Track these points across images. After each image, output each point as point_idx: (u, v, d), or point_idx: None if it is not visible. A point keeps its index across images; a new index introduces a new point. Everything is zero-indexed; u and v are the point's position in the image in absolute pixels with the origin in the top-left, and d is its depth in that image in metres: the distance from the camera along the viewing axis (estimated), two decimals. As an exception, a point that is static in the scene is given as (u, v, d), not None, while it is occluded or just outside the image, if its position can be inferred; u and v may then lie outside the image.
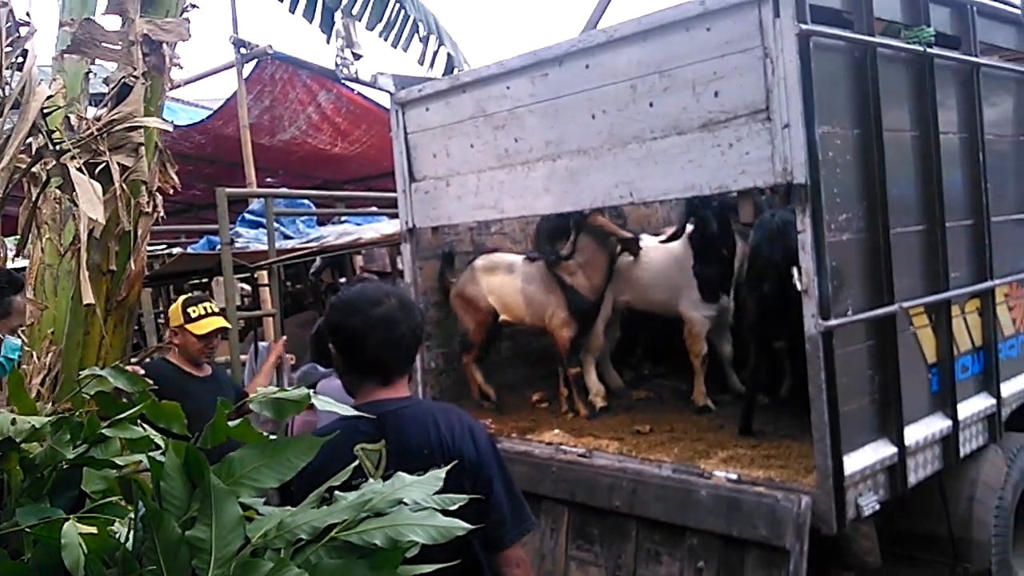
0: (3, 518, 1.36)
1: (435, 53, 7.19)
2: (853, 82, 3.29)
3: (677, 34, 3.37)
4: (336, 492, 1.09)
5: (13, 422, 1.48)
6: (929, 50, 3.54)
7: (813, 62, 3.05)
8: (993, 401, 3.89)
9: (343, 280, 8.85)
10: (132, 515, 1.23)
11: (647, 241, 4.69)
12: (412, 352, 2.10)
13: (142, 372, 2.76)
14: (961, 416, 3.65)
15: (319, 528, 1.01)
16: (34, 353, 4.28)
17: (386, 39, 6.77)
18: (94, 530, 1.20)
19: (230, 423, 1.19)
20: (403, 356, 2.07)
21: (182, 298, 3.86)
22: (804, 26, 3.04)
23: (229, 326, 4.12)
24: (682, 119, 3.38)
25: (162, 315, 8.53)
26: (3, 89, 3.78)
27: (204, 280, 7.19)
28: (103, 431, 1.43)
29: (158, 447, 1.31)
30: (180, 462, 1.12)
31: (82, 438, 1.45)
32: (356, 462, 1.60)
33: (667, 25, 3.40)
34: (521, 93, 3.98)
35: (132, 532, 1.13)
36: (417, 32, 6.94)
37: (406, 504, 1.05)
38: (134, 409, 1.46)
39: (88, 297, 3.54)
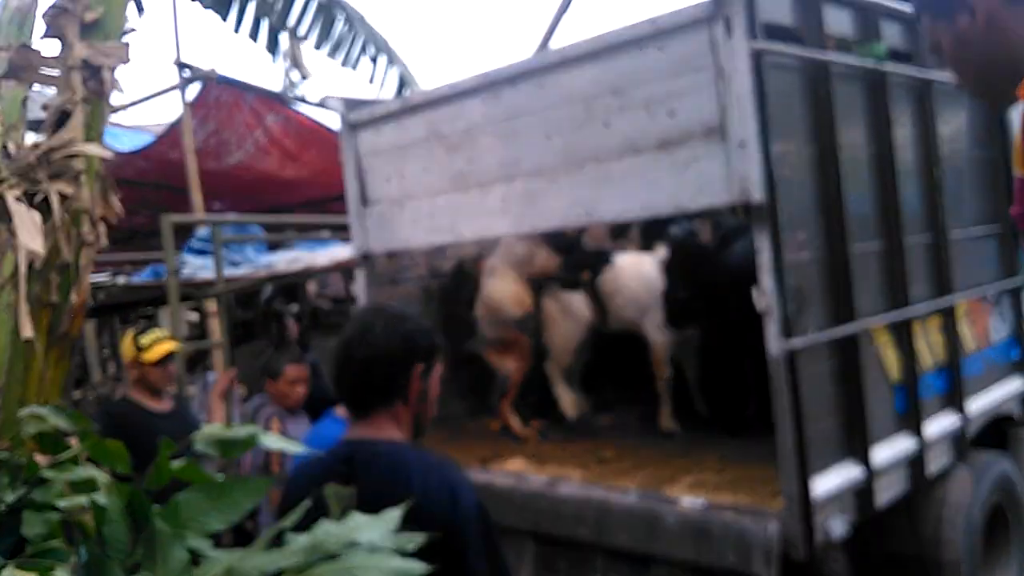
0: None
1: (386, 72, 7.15)
2: (807, 99, 3.30)
3: (630, 54, 3.36)
4: (288, 533, 1.02)
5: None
6: (882, 66, 3.57)
7: (767, 80, 3.05)
8: (959, 418, 3.90)
9: (296, 306, 8.72)
10: (75, 559, 1.15)
11: (621, 259, 4.68)
12: (378, 381, 1.86)
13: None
14: (927, 435, 3.65)
15: (269, 573, 0.94)
16: (-29, 389, 4.10)
17: (335, 58, 6.72)
18: (31, 578, 1.11)
19: (174, 463, 1.11)
20: (360, 386, 1.87)
21: (130, 332, 3.77)
22: (756, 44, 3.04)
23: (179, 349, 4.03)
24: (638, 139, 3.36)
25: (106, 348, 8.31)
26: (-63, 115, 3.65)
27: (150, 311, 7.02)
28: (44, 473, 1.35)
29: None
30: (123, 505, 1.04)
31: (22, 480, 1.37)
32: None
33: (620, 44, 3.38)
34: (475, 114, 3.93)
35: (72, 581, 1.04)
36: (366, 51, 6.90)
37: (360, 544, 0.98)
38: (77, 449, 1.38)
39: (27, 331, 3.40)
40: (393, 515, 1.03)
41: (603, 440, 4.37)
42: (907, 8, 3.71)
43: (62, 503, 1.33)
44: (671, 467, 3.75)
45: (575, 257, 4.72)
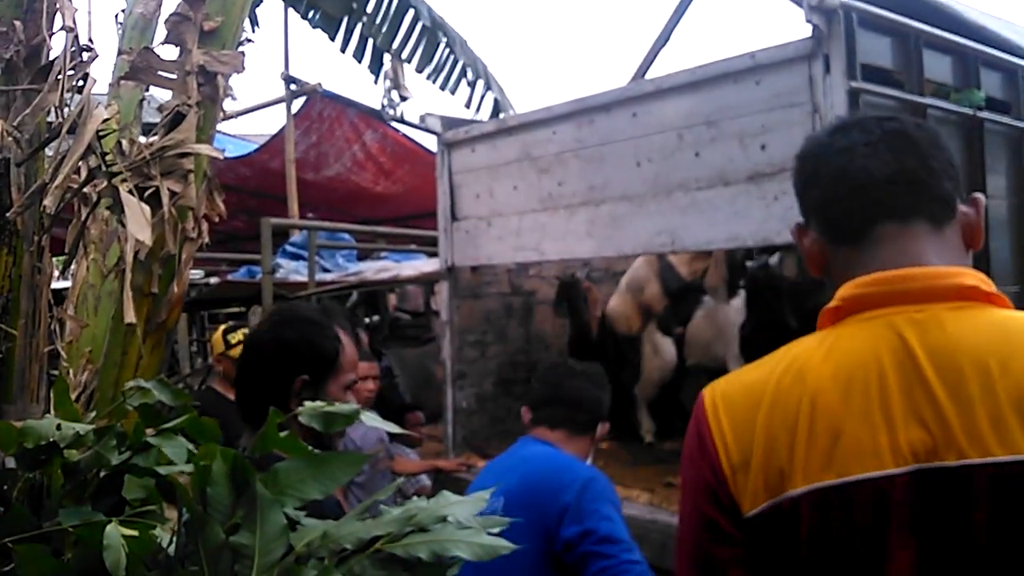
0: (42, 519, 1.37)
1: (482, 97, 7.28)
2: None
3: (726, 86, 3.40)
4: (382, 506, 1.09)
5: (58, 427, 1.49)
6: (979, 113, 3.53)
7: (863, 119, 3.05)
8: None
9: (376, 317, 8.90)
10: (175, 520, 1.24)
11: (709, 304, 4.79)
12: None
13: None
14: None
15: (364, 540, 1.01)
16: (71, 370, 4.32)
17: (434, 82, 6.88)
18: (135, 533, 1.20)
19: (280, 434, 1.20)
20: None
21: (221, 328, 3.93)
22: (854, 83, 3.05)
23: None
24: (728, 170, 3.38)
25: (195, 342, 8.61)
26: (62, 111, 3.88)
27: (242, 309, 7.26)
28: (148, 439, 1.44)
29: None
30: (227, 469, 1.12)
31: (127, 446, 1.46)
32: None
33: (717, 77, 3.43)
34: (567, 138, 4.01)
35: (175, 536, 1.13)
36: (465, 76, 7.05)
37: (450, 522, 1.05)
38: (179, 420, 1.47)
39: (130, 317, 3.57)
40: (482, 496, 1.09)
41: (670, 466, 4.37)
42: (1007, 57, 3.66)
43: (162, 469, 1.42)
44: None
45: (679, 304, 4.88)
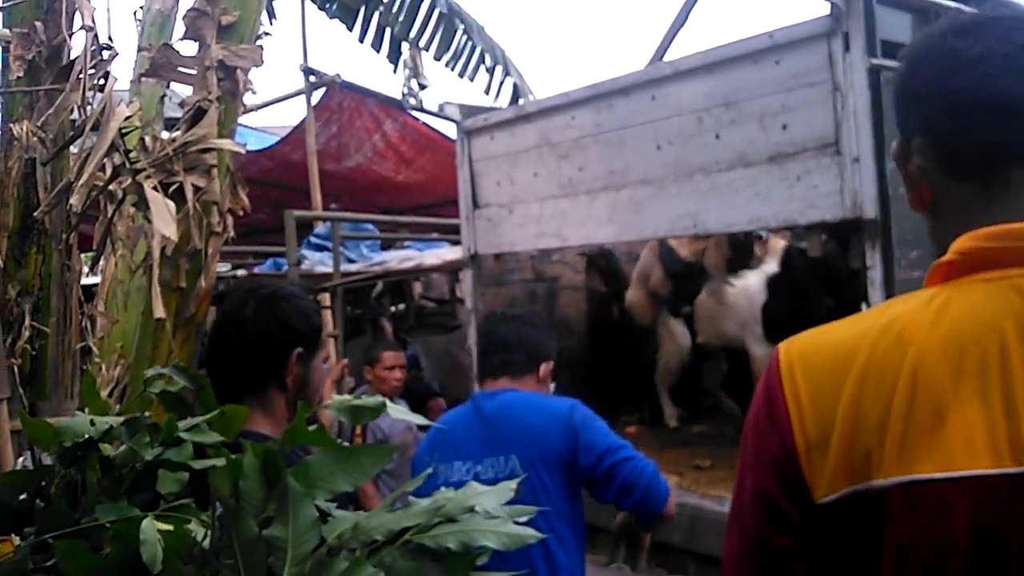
0: (80, 515, 1.40)
1: (501, 83, 7.28)
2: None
3: (745, 67, 3.38)
4: (411, 497, 1.11)
5: (92, 423, 1.52)
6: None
7: (884, 96, 3.03)
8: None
9: (402, 305, 8.94)
10: (210, 514, 1.26)
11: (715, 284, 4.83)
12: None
13: None
14: None
15: (394, 531, 1.03)
16: (103, 366, 4.39)
17: (453, 69, 6.88)
18: (171, 528, 1.22)
19: (308, 428, 1.22)
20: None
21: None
22: (874, 60, 3.02)
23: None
24: (749, 152, 3.37)
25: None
26: (85, 109, 3.92)
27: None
28: (180, 435, 1.46)
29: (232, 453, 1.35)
30: (258, 463, 1.14)
31: (160, 441, 1.49)
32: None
33: (735, 58, 3.41)
34: (586, 123, 4.01)
35: (209, 530, 1.15)
36: (483, 62, 7.04)
37: (478, 512, 1.07)
38: (209, 415, 1.50)
39: (159, 312, 3.62)
40: (509, 485, 1.11)
41: (698, 448, 4.38)
42: None
43: (196, 464, 1.44)
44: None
45: (684, 285, 4.95)
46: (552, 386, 2.66)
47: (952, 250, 0.96)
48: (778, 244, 4.66)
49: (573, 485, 2.38)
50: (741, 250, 4.68)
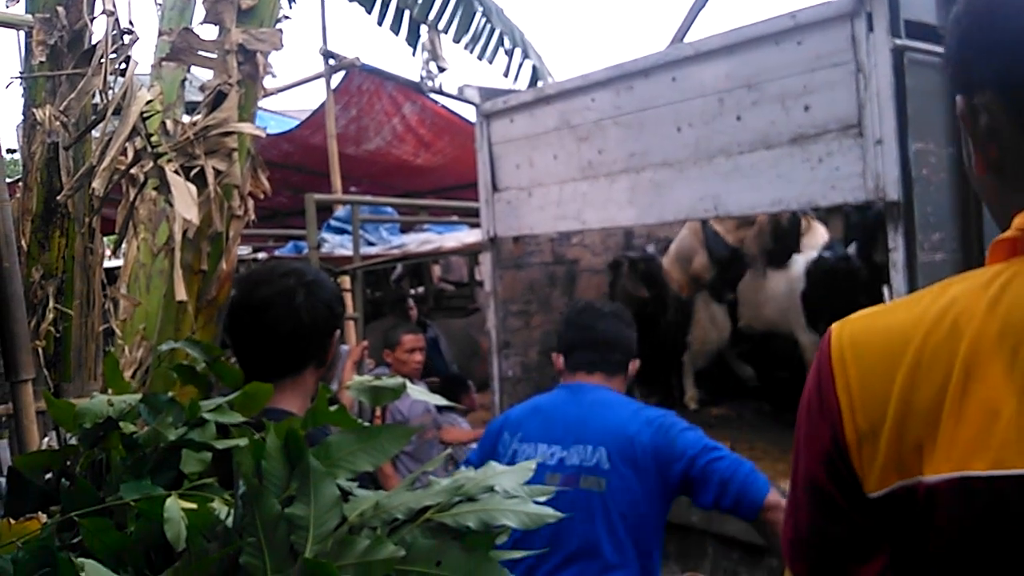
0: (105, 494, 1.42)
1: (520, 65, 7.25)
2: (949, 99, 3.21)
3: (767, 48, 3.35)
4: (431, 477, 1.12)
5: (111, 403, 1.54)
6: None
7: (907, 78, 3.00)
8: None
9: (421, 288, 8.98)
10: (233, 493, 1.27)
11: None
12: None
13: None
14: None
15: (414, 509, 1.04)
16: (126, 347, 4.43)
17: (472, 51, 6.86)
18: (194, 506, 1.24)
19: (330, 408, 1.23)
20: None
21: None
22: (898, 41, 2.99)
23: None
24: (771, 133, 3.34)
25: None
26: (107, 94, 3.94)
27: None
28: (203, 415, 1.48)
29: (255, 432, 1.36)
30: (280, 443, 1.15)
31: (183, 421, 1.51)
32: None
33: (757, 39, 3.37)
34: (606, 105, 3.99)
35: (232, 509, 1.16)
36: (502, 45, 7.01)
37: (497, 491, 1.07)
38: (232, 395, 1.51)
39: (181, 294, 3.65)
40: (528, 465, 1.11)
41: (718, 431, 4.37)
42: None
43: (218, 444, 1.46)
44: (786, 461, 3.73)
45: (727, 271, 4.85)
46: None
47: (1015, 226, 0.90)
48: (816, 228, 4.64)
49: (665, 496, 2.34)
50: (786, 237, 4.59)
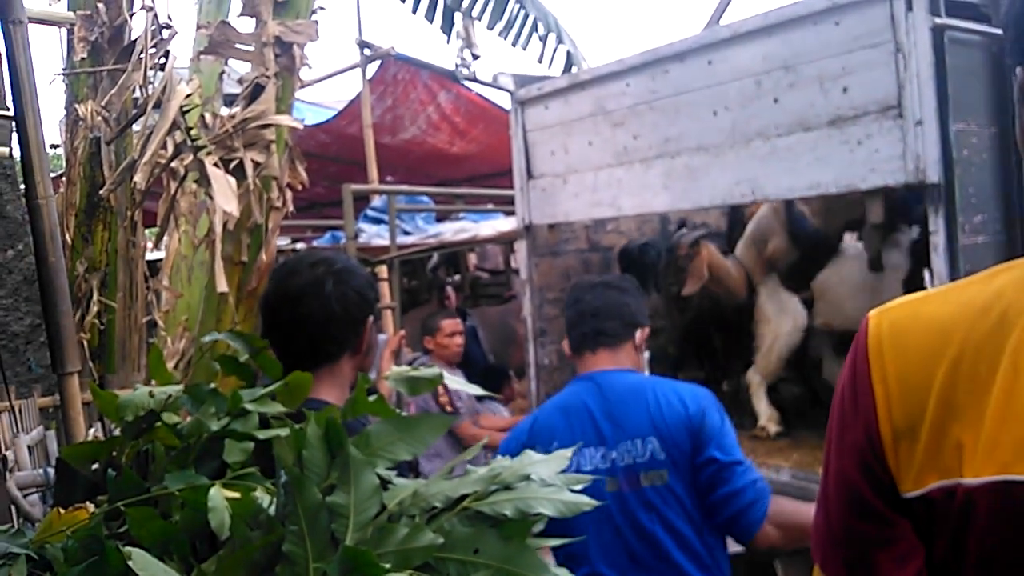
0: (150, 484, 1.45)
1: (554, 51, 7.22)
2: (990, 78, 3.15)
3: (804, 29, 3.31)
4: (468, 466, 1.13)
5: (151, 395, 1.57)
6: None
7: (948, 57, 2.94)
8: None
9: (457, 276, 9.00)
10: (274, 482, 1.29)
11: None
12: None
13: None
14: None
15: (452, 498, 1.05)
16: (168, 338, 4.51)
17: (506, 38, 6.84)
18: (238, 495, 1.26)
19: (369, 398, 1.24)
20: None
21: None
22: (938, 19, 2.93)
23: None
24: (809, 115, 3.30)
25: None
26: (147, 88, 4.00)
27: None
28: (245, 405, 1.50)
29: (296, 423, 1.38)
30: (321, 432, 1.17)
31: (226, 412, 1.53)
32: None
33: (794, 20, 3.33)
34: (641, 90, 3.96)
35: (275, 498, 1.18)
36: (536, 31, 6.99)
37: (533, 480, 1.08)
38: (274, 386, 1.53)
39: (222, 286, 3.71)
40: (564, 454, 1.12)
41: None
42: None
43: (260, 434, 1.48)
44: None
45: (809, 257, 4.18)
46: (647, 354, 2.49)
47: None
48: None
49: (696, 485, 2.19)
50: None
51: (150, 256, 5.18)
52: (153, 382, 1.77)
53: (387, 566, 0.96)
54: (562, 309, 4.90)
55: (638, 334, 2.40)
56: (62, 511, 1.39)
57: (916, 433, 0.84)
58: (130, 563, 1.02)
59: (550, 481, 1.07)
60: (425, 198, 7.30)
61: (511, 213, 5.56)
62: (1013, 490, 0.77)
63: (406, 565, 0.96)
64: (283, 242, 7.21)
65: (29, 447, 3.17)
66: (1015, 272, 0.85)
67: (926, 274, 2.99)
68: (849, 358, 0.92)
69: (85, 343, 4.00)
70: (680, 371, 4.57)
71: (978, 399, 0.80)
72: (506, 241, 6.65)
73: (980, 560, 0.80)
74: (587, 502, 1.05)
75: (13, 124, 4.56)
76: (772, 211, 4.30)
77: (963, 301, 0.85)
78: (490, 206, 7.70)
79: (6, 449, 2.73)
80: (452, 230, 6.75)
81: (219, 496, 1.21)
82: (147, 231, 5.95)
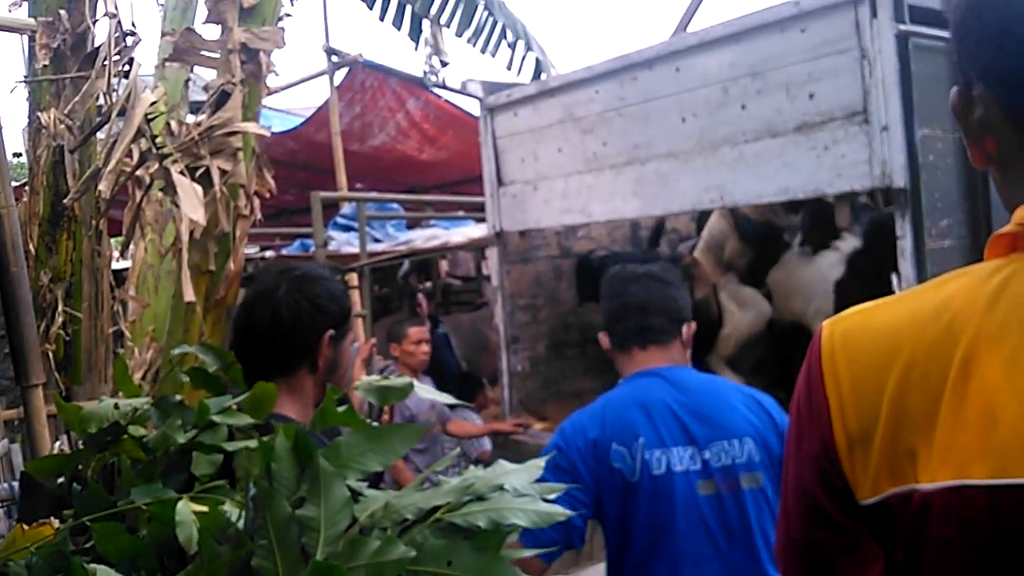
0: (116, 497, 1.42)
1: (523, 58, 7.24)
2: (954, 84, 3.19)
3: (771, 36, 3.34)
4: (440, 477, 1.12)
5: (116, 407, 1.54)
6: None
7: (912, 63, 2.99)
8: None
9: (429, 283, 8.98)
10: (242, 496, 1.27)
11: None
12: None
13: None
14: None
15: (424, 510, 1.04)
16: (136, 349, 4.44)
17: (474, 45, 6.85)
18: (206, 509, 1.24)
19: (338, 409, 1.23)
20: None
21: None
22: (903, 26, 2.98)
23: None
24: (776, 122, 3.33)
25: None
26: (111, 96, 3.95)
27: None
28: (212, 417, 1.48)
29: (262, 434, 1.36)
30: (290, 444, 1.15)
31: (192, 424, 1.51)
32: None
33: (760, 27, 3.36)
34: (610, 97, 3.98)
35: (243, 511, 1.17)
36: (505, 38, 7.00)
37: (507, 490, 1.07)
38: (241, 397, 1.51)
39: (189, 295, 3.66)
40: (538, 463, 1.11)
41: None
42: None
43: (228, 446, 1.46)
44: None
45: (761, 254, 4.48)
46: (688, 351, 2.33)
47: (1015, 220, 0.86)
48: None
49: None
50: (820, 219, 4.23)
51: (116, 266, 5.11)
52: (120, 394, 1.75)
53: (358, 581, 0.95)
54: (533, 316, 4.94)
55: (685, 329, 2.26)
56: (26, 527, 1.36)
57: (870, 440, 0.84)
58: (95, 580, 0.99)
59: (523, 491, 1.06)
60: (395, 205, 7.28)
61: (482, 220, 5.56)
62: (967, 493, 0.78)
63: (379, 579, 0.94)
64: (252, 251, 7.15)
65: (-8, 461, 3.11)
66: (964, 279, 0.86)
67: (893, 278, 3.02)
68: (804, 367, 0.93)
69: (50, 354, 3.93)
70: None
71: (930, 405, 0.81)
72: (477, 248, 6.65)
73: (937, 564, 0.81)
74: (561, 512, 1.04)
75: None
76: (720, 217, 4.54)
77: (914, 308, 0.87)
78: (461, 213, 7.70)
79: (-32, 463, 2.68)
80: (423, 237, 6.74)
81: (187, 510, 1.19)
82: (112, 240, 5.87)
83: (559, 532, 1.82)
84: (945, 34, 3.11)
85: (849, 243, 4.13)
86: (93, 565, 1.03)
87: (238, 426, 1.45)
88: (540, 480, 1.75)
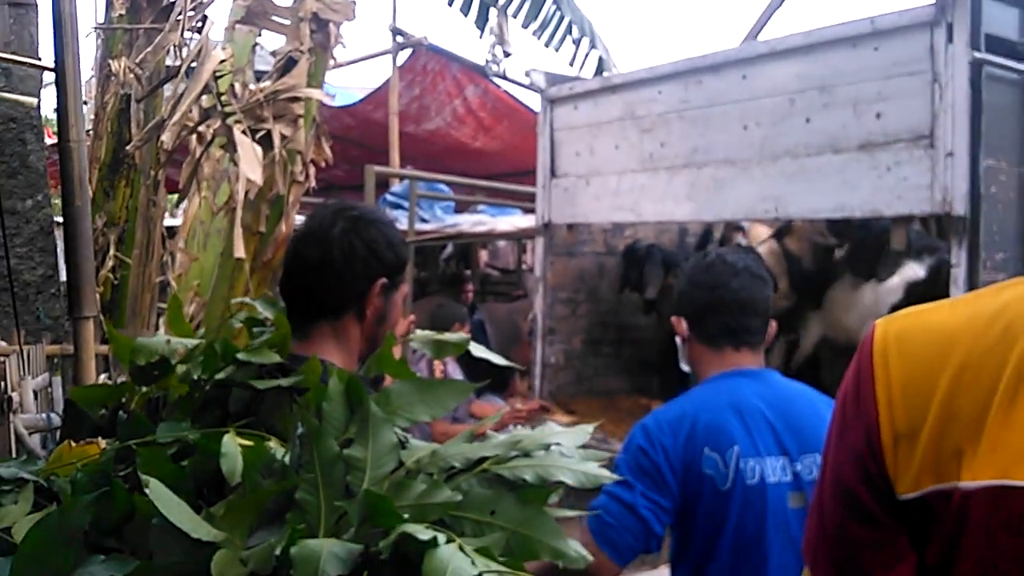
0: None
1: (586, 55, 7.24)
2: (1025, 117, 3.15)
3: (843, 51, 3.31)
4: (488, 431, 1.13)
5: (168, 342, 1.55)
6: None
7: (984, 92, 2.95)
8: None
9: (468, 271, 9.00)
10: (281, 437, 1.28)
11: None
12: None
13: None
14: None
15: (471, 459, 1.05)
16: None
17: (539, 38, 6.87)
18: (251, 444, 1.25)
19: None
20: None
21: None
22: (977, 54, 2.94)
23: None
24: (840, 138, 3.31)
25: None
26: (181, 51, 4.01)
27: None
28: (240, 356, 1.45)
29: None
30: (342, 387, 1.17)
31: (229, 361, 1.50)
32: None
33: (833, 41, 3.34)
34: (672, 98, 3.97)
35: (289, 448, 1.18)
36: (570, 33, 7.01)
37: (554, 450, 1.08)
38: (274, 334, 1.51)
39: (239, 252, 3.71)
40: (586, 428, 1.12)
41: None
42: None
43: (260, 384, 1.44)
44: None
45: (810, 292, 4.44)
46: None
47: None
48: (762, 233, 4.41)
49: None
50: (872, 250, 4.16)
51: (167, 222, 5.19)
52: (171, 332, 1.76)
53: (405, 516, 0.96)
54: (573, 310, 4.94)
55: (769, 328, 2.14)
56: (74, 444, 1.39)
57: (916, 436, 0.85)
58: (147, 491, 1.01)
59: (568, 453, 1.07)
60: (444, 187, 7.30)
61: (530, 211, 5.56)
62: (1009, 494, 0.78)
63: (422, 519, 0.95)
64: (299, 219, 7.22)
65: (35, 391, 3.17)
66: (1021, 287, 0.88)
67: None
68: (853, 364, 0.94)
69: (97, 296, 4.00)
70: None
71: (981, 408, 0.82)
72: (522, 237, 6.65)
73: (974, 564, 0.81)
74: (607, 476, 1.05)
75: (42, 76, 4.58)
76: (770, 253, 4.36)
77: (970, 313, 0.88)
78: (510, 202, 7.71)
79: (12, 390, 2.74)
80: (470, 222, 6.75)
81: (232, 443, 1.21)
82: (169, 196, 5.95)
83: (639, 539, 1.77)
84: (1020, 66, 3.08)
85: (912, 270, 4.03)
86: (145, 476, 1.05)
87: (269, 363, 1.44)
88: (621, 481, 1.72)
